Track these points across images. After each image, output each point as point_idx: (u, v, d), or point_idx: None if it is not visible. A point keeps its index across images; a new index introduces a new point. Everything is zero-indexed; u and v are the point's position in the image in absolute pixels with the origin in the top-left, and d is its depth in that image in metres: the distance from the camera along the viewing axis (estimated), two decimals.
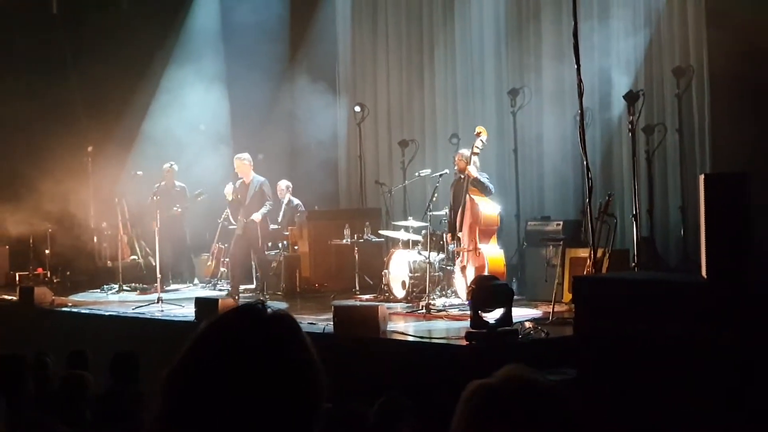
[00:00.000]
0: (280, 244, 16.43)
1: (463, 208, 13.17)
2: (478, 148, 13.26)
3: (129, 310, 14.18)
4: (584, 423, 2.10)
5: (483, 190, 13.11)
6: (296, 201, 17.19)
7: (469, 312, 10.08)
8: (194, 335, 2.01)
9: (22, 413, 5.62)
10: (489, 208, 13.02)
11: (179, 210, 17.06)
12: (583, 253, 12.12)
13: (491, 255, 12.78)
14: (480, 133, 13.31)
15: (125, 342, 11.08)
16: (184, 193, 17.32)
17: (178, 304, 14.38)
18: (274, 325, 2.03)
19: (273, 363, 1.96)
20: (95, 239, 19.03)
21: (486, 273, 12.21)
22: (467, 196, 13.11)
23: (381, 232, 15.72)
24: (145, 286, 16.78)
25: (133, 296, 16.22)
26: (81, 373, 7.46)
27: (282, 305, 14.15)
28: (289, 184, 17.29)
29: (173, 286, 17.07)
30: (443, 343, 10.21)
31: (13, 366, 6.00)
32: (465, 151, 13.54)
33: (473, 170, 13.12)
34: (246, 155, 15.35)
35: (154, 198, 15.45)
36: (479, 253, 12.83)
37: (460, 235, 13.26)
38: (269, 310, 2.04)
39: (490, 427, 2.09)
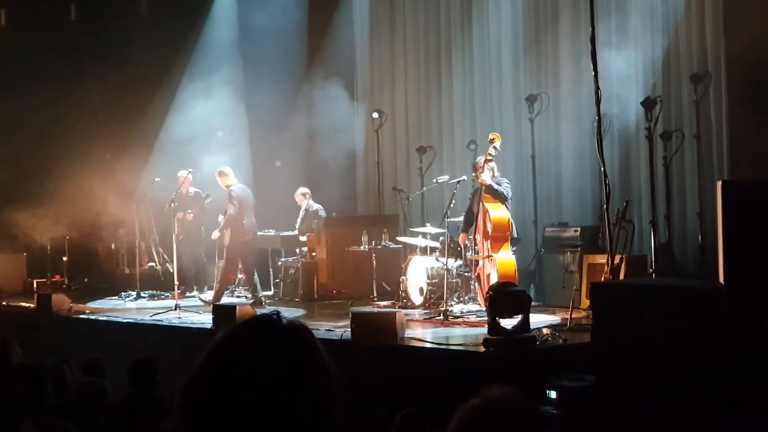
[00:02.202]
0: (297, 251, 16.46)
1: (478, 216, 13.15)
2: (491, 155, 13.15)
3: (147, 318, 14.21)
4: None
5: (497, 196, 13.00)
6: (316, 206, 17.07)
7: (486, 318, 10.08)
8: (209, 347, 2.02)
9: (43, 421, 5.65)
10: (500, 214, 12.94)
11: (190, 215, 16.90)
12: (601, 259, 12.09)
13: (501, 259, 12.74)
14: (493, 139, 13.21)
15: (143, 349, 11.10)
16: (197, 198, 17.12)
17: (195, 311, 14.41)
18: (289, 336, 2.02)
19: (288, 374, 1.96)
20: (113, 246, 19.07)
21: (497, 278, 12.21)
22: (481, 203, 13.07)
23: (399, 238, 15.70)
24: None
25: (153, 303, 16.17)
26: (98, 381, 7.48)
27: (299, 312, 14.19)
28: (306, 190, 17.24)
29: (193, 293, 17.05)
30: (461, 350, 10.24)
31: (38, 375, 6.02)
32: (479, 159, 13.49)
33: (486, 177, 13.03)
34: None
35: (172, 205, 15.44)
36: (492, 259, 12.81)
37: (471, 240, 13.26)
38: (284, 320, 2.04)
39: None
